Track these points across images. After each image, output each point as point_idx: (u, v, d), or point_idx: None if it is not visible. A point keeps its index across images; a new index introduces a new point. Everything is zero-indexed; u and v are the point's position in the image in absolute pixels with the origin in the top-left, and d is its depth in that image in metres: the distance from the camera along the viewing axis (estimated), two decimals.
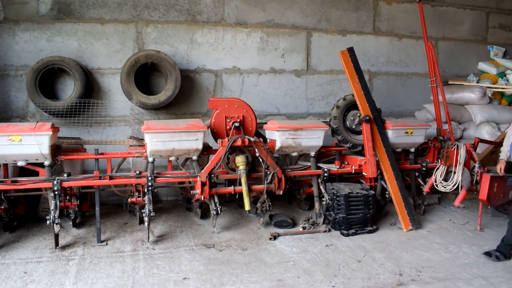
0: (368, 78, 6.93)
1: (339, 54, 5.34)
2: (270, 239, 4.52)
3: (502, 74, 7.35)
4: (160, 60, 5.63)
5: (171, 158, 4.64)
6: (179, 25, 6.12)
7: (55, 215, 4.11)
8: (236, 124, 4.70)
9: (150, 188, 4.42)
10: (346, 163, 5.27)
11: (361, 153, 5.16)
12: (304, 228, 4.80)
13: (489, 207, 5.33)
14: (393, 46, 7.10)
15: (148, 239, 4.43)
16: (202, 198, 4.58)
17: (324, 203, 4.89)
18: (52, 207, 4.19)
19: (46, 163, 4.20)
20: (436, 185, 5.21)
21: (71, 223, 4.87)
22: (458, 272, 3.90)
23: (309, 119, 6.36)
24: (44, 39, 5.64)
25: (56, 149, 4.47)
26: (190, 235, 4.67)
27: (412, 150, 5.50)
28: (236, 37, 6.33)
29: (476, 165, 5.09)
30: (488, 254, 4.24)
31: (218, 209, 4.54)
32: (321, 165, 5.19)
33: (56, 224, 4.10)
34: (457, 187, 5.10)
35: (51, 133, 4.08)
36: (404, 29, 7.16)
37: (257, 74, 6.42)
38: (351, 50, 5.36)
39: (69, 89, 5.68)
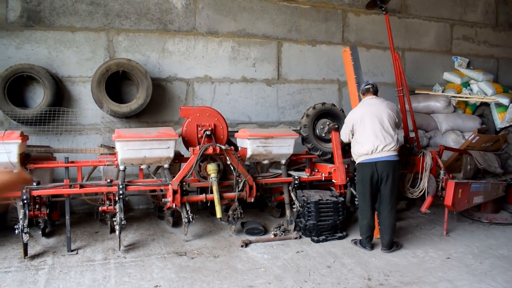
0: (337, 88, 7.11)
1: (342, 52, 5.44)
2: (242, 246, 4.56)
3: (466, 84, 7.65)
4: (131, 68, 5.62)
5: (142, 166, 4.65)
6: (150, 33, 6.13)
7: (24, 224, 4.05)
8: (208, 133, 4.74)
9: (121, 196, 4.40)
10: (316, 170, 5.37)
11: (331, 160, 5.27)
12: (275, 235, 4.86)
13: (454, 212, 5.51)
14: (361, 56, 7.13)
15: (119, 247, 4.40)
16: (174, 206, 4.58)
17: (295, 210, 4.97)
18: (20, 216, 4.12)
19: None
20: (404, 192, 5.36)
21: (40, 232, 4.79)
22: (425, 276, 4.02)
23: (280, 128, 6.45)
24: (13, 46, 5.56)
25: (25, 158, 4.41)
26: (161, 243, 4.66)
27: None
28: (207, 46, 6.39)
29: (442, 171, 5.27)
30: None
31: (190, 217, 4.56)
32: (292, 172, 5.27)
33: (25, 233, 4.04)
34: (424, 194, 5.26)
35: (20, 141, 4.03)
36: (372, 40, 7.37)
37: (228, 83, 6.48)
38: (353, 48, 5.38)
39: (39, 97, 5.61)
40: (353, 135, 4.69)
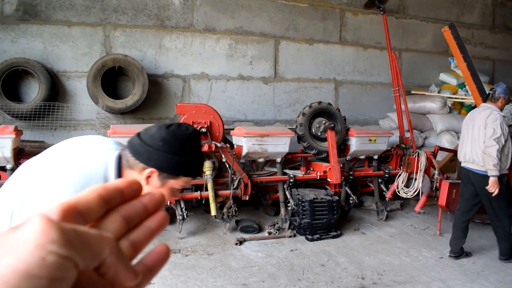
0: (334, 87, 7.11)
1: (443, 31, 5.22)
2: (236, 244, 4.55)
3: (462, 85, 7.66)
4: (127, 64, 5.59)
5: None
6: (147, 29, 6.10)
7: None
8: (203, 130, 4.73)
9: None
10: (311, 169, 5.38)
11: (326, 159, 5.28)
12: (270, 233, 4.87)
13: (448, 212, 5.53)
14: (358, 56, 7.30)
15: None
16: (168, 203, 4.58)
17: (289, 208, 4.97)
18: None
19: (8, 166, 4.12)
20: (398, 191, 5.38)
21: None
22: (418, 276, 4.04)
23: (276, 126, 6.45)
24: (8, 40, 5.51)
25: (19, 153, 4.38)
26: (155, 240, 4.59)
27: (376, 157, 5.67)
28: (204, 43, 6.37)
29: (436, 172, 5.30)
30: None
31: (185, 214, 4.55)
32: (287, 171, 5.28)
33: None
34: (418, 193, 5.28)
35: (14, 136, 4.01)
36: (369, 40, 7.38)
37: (225, 81, 6.47)
38: (452, 26, 5.14)
39: (34, 92, 5.57)
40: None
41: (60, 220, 0.32)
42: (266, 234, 4.85)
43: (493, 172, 4.03)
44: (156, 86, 6.09)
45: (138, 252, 0.41)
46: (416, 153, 5.37)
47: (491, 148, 4.03)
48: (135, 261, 0.42)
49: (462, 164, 4.55)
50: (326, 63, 7.05)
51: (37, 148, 4.81)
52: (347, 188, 5.31)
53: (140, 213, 0.40)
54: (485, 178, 4.12)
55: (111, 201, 0.38)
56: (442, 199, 5.03)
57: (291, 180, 5.08)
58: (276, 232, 4.90)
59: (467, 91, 7.58)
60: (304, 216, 4.78)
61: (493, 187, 4.06)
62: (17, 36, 5.55)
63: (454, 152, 6.07)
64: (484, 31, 8.60)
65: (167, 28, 6.20)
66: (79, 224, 0.34)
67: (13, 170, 4.16)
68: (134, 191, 0.41)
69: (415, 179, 5.24)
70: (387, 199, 5.54)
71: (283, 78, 6.81)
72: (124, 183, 0.40)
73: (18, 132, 4.17)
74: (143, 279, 0.39)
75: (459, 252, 4.48)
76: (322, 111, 5.40)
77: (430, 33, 7.99)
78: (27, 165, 1.46)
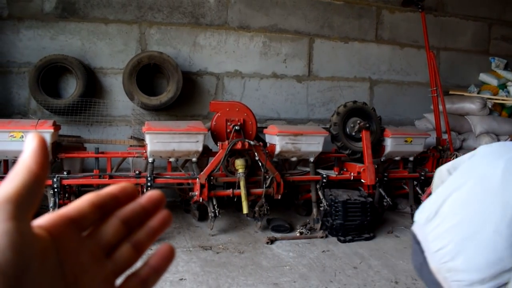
0: (369, 86, 6.97)
1: None
2: (267, 243, 4.52)
3: (503, 86, 7.39)
4: (162, 61, 5.65)
5: (170, 159, 4.66)
6: (182, 27, 6.14)
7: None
8: (237, 128, 4.71)
9: (149, 188, 4.43)
10: (345, 169, 5.28)
11: (360, 160, 5.17)
12: (301, 233, 4.81)
13: None
14: (394, 55, 7.14)
15: None
16: (201, 200, 4.59)
17: (322, 209, 4.90)
18: (51, 204, 4.19)
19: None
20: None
21: None
22: None
23: (309, 125, 6.37)
24: (48, 37, 5.66)
25: (57, 147, 4.48)
26: (187, 237, 4.67)
27: (411, 159, 5.52)
28: (238, 41, 6.36)
29: None
30: None
31: (216, 211, 4.55)
32: (320, 171, 5.20)
33: None
34: None
35: (52, 130, 4.10)
36: (406, 38, 7.20)
37: (258, 79, 6.44)
38: None
39: (71, 88, 5.70)
40: None
41: (49, 226, 0.34)
42: (298, 234, 4.79)
43: None
44: (190, 84, 6.13)
45: (142, 252, 0.42)
46: (454, 155, 5.19)
47: None
48: (139, 263, 0.43)
49: None
50: (361, 62, 6.92)
51: (73, 143, 4.92)
52: (381, 190, 5.18)
53: (139, 214, 0.41)
54: None
55: (105, 207, 0.39)
56: None
57: (324, 180, 5.01)
58: (307, 233, 4.84)
59: (508, 92, 7.30)
60: (336, 217, 4.70)
61: None
62: (56, 34, 5.69)
63: None
64: None
65: (201, 26, 6.22)
66: (72, 230, 0.35)
67: (51, 164, 4.27)
68: (129, 194, 0.41)
69: None
70: (422, 201, 5.38)
71: (317, 76, 6.73)
72: (117, 188, 0.41)
73: (56, 127, 4.26)
74: (150, 280, 0.40)
75: None
76: (357, 111, 5.29)
77: (470, 32, 7.72)
78: None
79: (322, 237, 4.76)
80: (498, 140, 6.51)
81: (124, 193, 0.41)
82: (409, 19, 7.19)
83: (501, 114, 7.16)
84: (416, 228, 1.96)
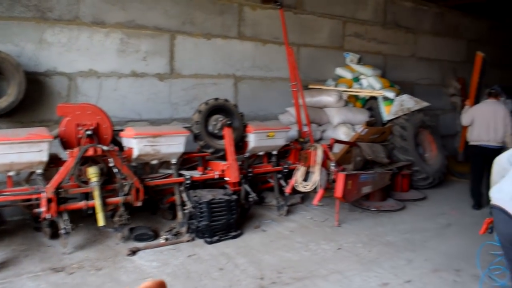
0: (233, 83, 6.97)
1: (477, 54, 8.58)
2: (129, 254, 4.22)
3: (357, 79, 7.97)
4: (1, 60, 4.95)
5: (10, 173, 4.10)
6: (25, 22, 5.45)
7: None
8: (89, 132, 4.32)
9: None
10: (209, 169, 5.19)
11: (225, 158, 5.11)
12: (166, 239, 4.60)
13: (346, 203, 5.69)
14: (257, 51, 7.24)
15: None
16: (50, 216, 4.12)
17: (187, 211, 4.74)
18: None
19: None
20: (297, 186, 5.39)
21: None
22: (316, 270, 4.06)
23: (173, 125, 6.14)
24: None
25: None
26: (36, 259, 4.13)
27: (275, 152, 5.64)
28: (93, 38, 5.86)
29: (332, 164, 5.39)
30: None
31: (68, 227, 4.12)
32: (184, 172, 5.03)
33: None
34: (317, 187, 5.34)
35: None
36: (268, 35, 7.35)
37: (116, 78, 6.01)
38: (484, 58, 8.46)
39: None
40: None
41: None
42: (163, 241, 4.57)
43: None
44: (37, 85, 5.48)
45: None
46: (313, 147, 5.41)
47: None
48: None
49: (473, 143, 6.39)
50: (225, 59, 6.89)
51: None
52: (246, 186, 5.20)
53: None
54: (494, 151, 5.57)
55: None
56: (339, 191, 5.14)
57: (188, 182, 4.85)
58: (173, 238, 4.65)
59: (361, 85, 7.90)
60: (201, 218, 4.58)
61: None
62: None
63: (350, 144, 6.27)
64: (376, 27, 9.05)
65: (49, 21, 5.59)
66: None
67: None
68: None
69: (313, 172, 5.28)
70: (286, 194, 5.54)
71: (180, 74, 6.51)
72: None
73: None
74: None
75: (480, 203, 6.28)
76: (219, 108, 5.23)
77: (327, 29, 8.19)
78: None
79: (188, 241, 4.62)
80: (354, 129, 7.00)
81: None
82: (271, 16, 7.34)
83: (356, 105, 7.73)
84: (502, 203, 2.60)
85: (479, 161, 6.26)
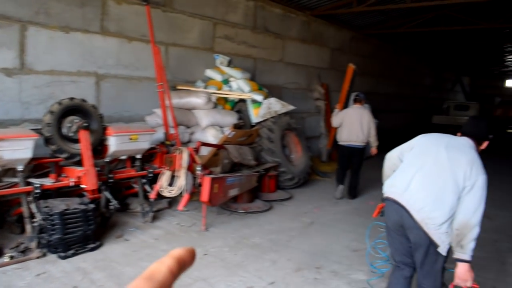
0: (95, 81, 6.48)
1: (348, 66, 9.77)
2: None
3: (226, 81, 8.03)
4: None
5: None
6: None
7: None
8: None
9: None
10: (64, 175, 4.73)
11: (82, 163, 4.71)
12: (11, 257, 4.06)
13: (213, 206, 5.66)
14: (122, 48, 6.84)
15: None
16: None
17: (36, 224, 4.24)
18: None
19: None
20: (162, 191, 5.21)
21: None
22: (180, 279, 3.83)
23: (23, 126, 5.47)
24: None
25: None
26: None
27: (139, 156, 5.38)
28: None
29: (198, 168, 5.32)
30: None
31: None
32: (33, 180, 4.50)
33: None
34: (182, 191, 5.22)
35: None
36: (134, 32, 6.99)
37: None
38: (355, 70, 9.72)
39: None
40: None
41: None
42: (7, 260, 4.02)
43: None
44: None
45: None
46: (179, 150, 5.28)
47: (375, 132, 7.10)
48: None
49: (343, 143, 7.19)
50: (86, 55, 6.36)
51: None
52: (106, 193, 4.86)
53: None
54: (360, 150, 7.08)
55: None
56: (205, 195, 5.09)
57: (37, 191, 4.34)
58: (20, 255, 4.12)
59: (231, 87, 7.99)
60: (53, 232, 4.14)
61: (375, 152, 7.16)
62: None
63: (217, 146, 6.27)
64: (247, 31, 9.22)
65: None
66: None
67: None
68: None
69: (178, 176, 5.16)
70: (151, 199, 5.32)
71: (32, 70, 5.82)
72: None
73: None
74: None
75: (353, 192, 7.35)
76: (74, 109, 4.80)
77: (197, 29, 8.09)
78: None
79: (38, 257, 4.14)
80: (222, 132, 7.03)
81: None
82: (138, 12, 6.99)
83: (225, 107, 7.78)
84: (394, 195, 2.89)
85: (346, 157, 7.22)
